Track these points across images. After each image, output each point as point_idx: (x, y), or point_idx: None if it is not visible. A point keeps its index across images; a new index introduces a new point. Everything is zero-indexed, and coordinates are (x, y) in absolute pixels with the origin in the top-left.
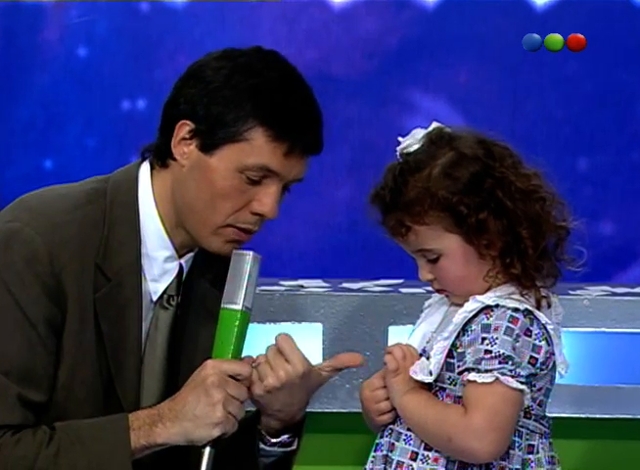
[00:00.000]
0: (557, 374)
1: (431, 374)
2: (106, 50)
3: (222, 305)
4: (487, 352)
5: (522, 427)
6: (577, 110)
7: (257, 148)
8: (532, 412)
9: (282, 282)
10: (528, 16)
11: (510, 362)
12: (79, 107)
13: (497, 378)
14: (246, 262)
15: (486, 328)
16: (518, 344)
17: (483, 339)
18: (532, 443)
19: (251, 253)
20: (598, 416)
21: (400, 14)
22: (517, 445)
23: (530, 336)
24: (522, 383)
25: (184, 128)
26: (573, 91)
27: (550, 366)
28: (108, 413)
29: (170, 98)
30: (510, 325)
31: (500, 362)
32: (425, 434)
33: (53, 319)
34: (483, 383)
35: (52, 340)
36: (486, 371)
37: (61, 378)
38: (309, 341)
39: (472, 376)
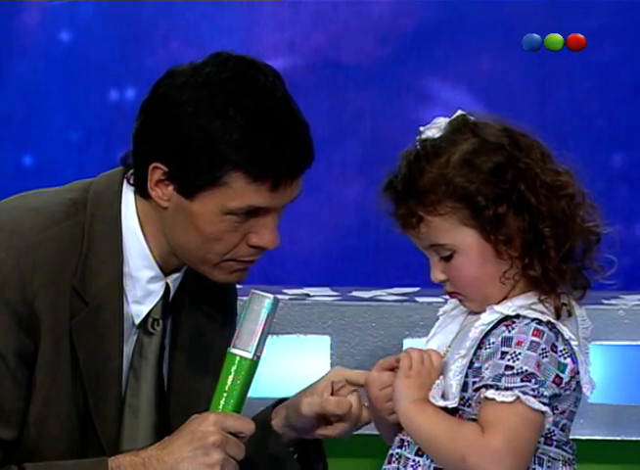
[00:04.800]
0: (599, 398)
1: (444, 397)
2: (91, 34)
3: (231, 349)
4: (508, 367)
5: (543, 454)
6: (612, 100)
7: (239, 190)
8: (554, 438)
9: (285, 290)
10: None
11: (533, 381)
12: (62, 97)
13: (518, 397)
14: (265, 307)
15: (507, 341)
16: (545, 359)
17: (504, 353)
18: None
19: (271, 296)
20: (634, 439)
21: None
22: None
23: (556, 352)
24: (544, 404)
25: (157, 172)
26: (608, 79)
27: (574, 387)
28: (84, 451)
29: (138, 130)
30: (535, 339)
31: (522, 380)
32: (433, 448)
33: (24, 350)
34: (503, 402)
35: (23, 372)
36: (506, 389)
37: (33, 413)
38: (316, 355)
39: (490, 393)
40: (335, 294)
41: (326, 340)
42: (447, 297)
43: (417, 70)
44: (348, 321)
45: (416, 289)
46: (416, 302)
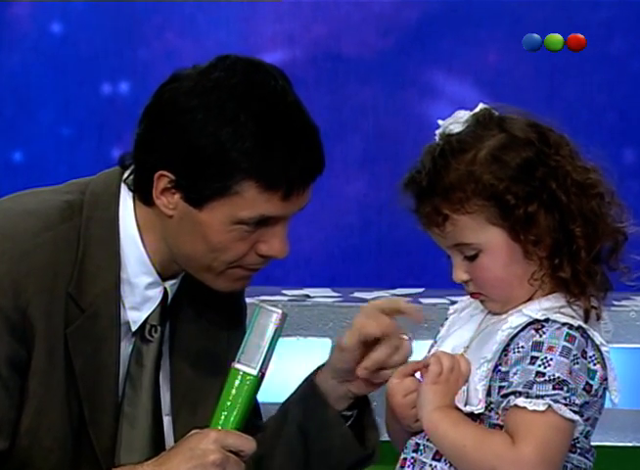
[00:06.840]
0: (608, 401)
1: (466, 404)
2: (83, 26)
3: (235, 364)
4: (540, 374)
5: (566, 462)
6: (623, 93)
7: (250, 200)
8: (578, 445)
9: (285, 291)
10: None
11: (565, 388)
12: (53, 91)
13: (550, 406)
14: (272, 322)
15: (538, 346)
16: (576, 366)
17: (534, 358)
18: None
19: (279, 311)
20: None
21: None
22: None
23: (586, 358)
24: (575, 412)
25: (163, 180)
26: (619, 72)
27: (601, 394)
28: (78, 462)
29: (142, 136)
30: (567, 344)
31: (554, 388)
32: (460, 457)
33: (17, 358)
34: (535, 411)
35: (15, 381)
36: (538, 397)
37: (24, 422)
38: (316, 358)
39: (520, 401)
40: (336, 295)
41: (327, 342)
42: (454, 298)
43: (421, 63)
44: (350, 323)
45: (420, 290)
46: (420, 303)
